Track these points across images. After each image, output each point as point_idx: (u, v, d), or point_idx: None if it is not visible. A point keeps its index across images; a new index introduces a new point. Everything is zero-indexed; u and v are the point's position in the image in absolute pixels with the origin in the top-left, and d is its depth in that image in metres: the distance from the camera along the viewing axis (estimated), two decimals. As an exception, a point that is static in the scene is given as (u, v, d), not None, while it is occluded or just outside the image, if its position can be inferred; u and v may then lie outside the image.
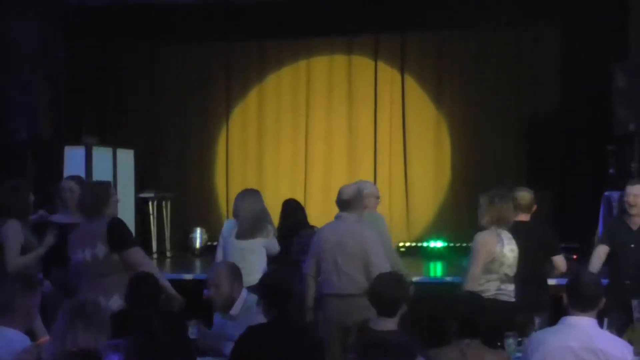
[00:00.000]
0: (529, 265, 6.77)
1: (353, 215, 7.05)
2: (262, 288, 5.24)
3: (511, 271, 6.47)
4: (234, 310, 5.76)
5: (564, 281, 8.02)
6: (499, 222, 6.51)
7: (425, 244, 12.83)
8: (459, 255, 11.15)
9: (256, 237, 7.74)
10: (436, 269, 11.22)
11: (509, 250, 6.46)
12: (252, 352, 4.87)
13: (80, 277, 6.43)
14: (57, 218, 7.61)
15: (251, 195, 8.01)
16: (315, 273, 7.11)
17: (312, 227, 8.44)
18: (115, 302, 6.06)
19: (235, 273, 5.90)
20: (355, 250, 6.85)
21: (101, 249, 6.31)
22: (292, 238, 8.20)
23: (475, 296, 5.44)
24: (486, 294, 6.24)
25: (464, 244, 11.08)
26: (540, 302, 6.99)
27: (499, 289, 6.38)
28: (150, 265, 6.60)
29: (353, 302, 6.79)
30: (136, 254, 6.43)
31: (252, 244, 7.71)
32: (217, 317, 6.03)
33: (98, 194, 6.59)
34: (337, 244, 6.92)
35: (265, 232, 7.77)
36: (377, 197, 8.26)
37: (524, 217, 7.28)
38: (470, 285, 6.38)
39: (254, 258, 7.67)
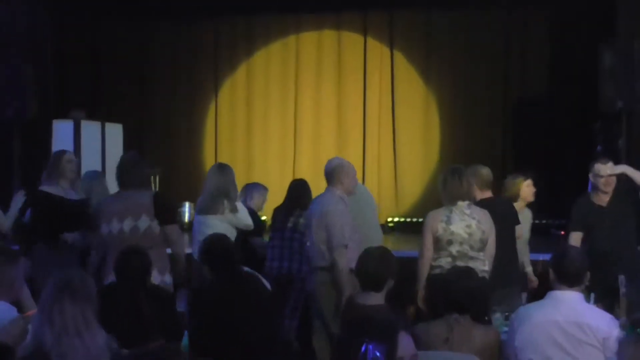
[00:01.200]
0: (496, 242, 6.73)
1: (333, 188, 6.99)
2: (202, 254, 5.43)
3: (469, 248, 6.41)
4: None
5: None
6: (455, 199, 6.52)
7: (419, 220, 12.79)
8: None
9: (210, 213, 7.60)
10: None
11: (460, 227, 6.42)
12: (204, 307, 5.08)
13: (111, 249, 6.35)
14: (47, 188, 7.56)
15: (216, 171, 7.84)
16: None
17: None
18: (156, 278, 6.05)
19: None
20: (319, 221, 6.83)
21: (144, 221, 6.30)
22: (288, 216, 8.20)
23: (465, 272, 5.46)
24: (437, 271, 6.30)
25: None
26: (510, 278, 6.99)
27: (454, 267, 6.29)
28: (183, 242, 6.70)
29: (320, 274, 6.80)
30: (177, 229, 6.51)
31: (211, 220, 7.54)
32: None
33: (145, 166, 6.64)
34: (312, 215, 6.95)
35: (221, 209, 7.60)
36: None
37: (487, 194, 7.28)
38: (421, 263, 6.48)
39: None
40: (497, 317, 5.55)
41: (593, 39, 10.96)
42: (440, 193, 6.63)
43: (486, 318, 5.40)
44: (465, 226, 6.43)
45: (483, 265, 6.45)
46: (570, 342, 4.54)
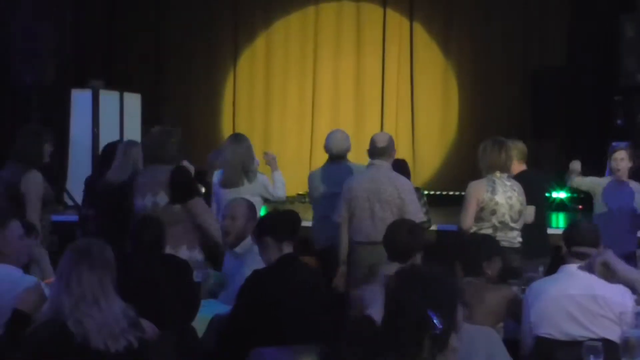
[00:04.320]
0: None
1: (386, 163, 6.94)
2: (266, 226, 5.15)
3: (510, 219, 6.47)
4: (240, 248, 5.75)
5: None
6: (494, 169, 6.53)
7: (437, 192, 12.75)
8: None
9: (240, 185, 7.29)
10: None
11: (504, 197, 6.46)
12: (259, 296, 4.85)
13: None
14: None
15: (234, 141, 7.56)
16: (348, 220, 6.89)
17: None
18: (184, 253, 6.10)
19: (253, 211, 5.89)
20: (392, 197, 6.74)
21: (163, 198, 6.31)
22: None
23: (480, 238, 5.48)
24: None
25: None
26: (540, 249, 7.03)
27: (494, 236, 6.28)
28: (211, 216, 6.57)
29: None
30: (198, 205, 6.40)
31: (240, 192, 7.13)
32: (227, 256, 6.04)
33: (165, 141, 6.54)
34: (373, 190, 6.77)
35: (250, 178, 7.33)
36: None
37: (523, 167, 7.30)
38: (463, 233, 6.49)
39: None
40: (513, 290, 5.54)
41: (614, 10, 10.87)
42: (479, 161, 6.66)
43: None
44: (507, 197, 6.48)
45: (518, 235, 6.56)
46: (586, 315, 4.53)
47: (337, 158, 7.63)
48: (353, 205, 6.84)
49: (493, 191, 6.47)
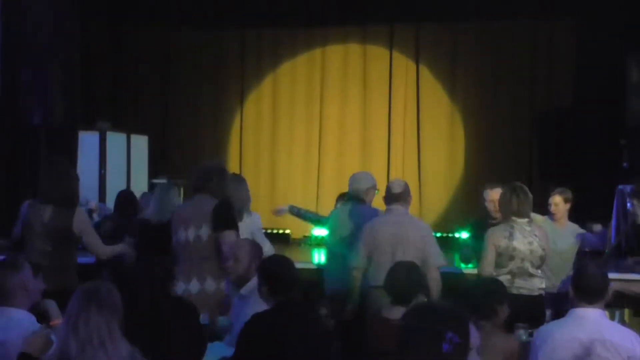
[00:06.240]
0: None
1: (403, 208, 7.00)
2: (264, 272, 5.12)
3: (530, 265, 6.48)
4: (245, 290, 5.73)
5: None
6: (508, 214, 6.56)
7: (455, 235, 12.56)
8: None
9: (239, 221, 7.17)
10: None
11: (523, 244, 6.47)
12: (257, 340, 4.83)
13: (181, 258, 6.48)
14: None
15: (235, 181, 7.52)
16: (365, 266, 6.87)
17: None
18: (211, 285, 6.30)
19: (257, 252, 5.86)
20: (415, 240, 6.74)
21: (205, 231, 6.37)
22: None
23: (492, 281, 5.48)
24: None
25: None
26: None
27: (512, 283, 6.37)
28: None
29: None
30: (230, 236, 6.34)
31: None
32: (232, 295, 6.03)
33: (217, 175, 6.63)
34: (395, 235, 6.77)
35: (247, 214, 7.43)
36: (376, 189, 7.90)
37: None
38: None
39: None
40: (520, 333, 5.52)
41: (620, 52, 10.91)
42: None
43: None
44: (528, 243, 6.51)
45: (540, 283, 6.56)
46: (594, 359, 4.51)
47: (352, 198, 7.59)
48: (373, 250, 6.82)
49: (510, 237, 6.49)
